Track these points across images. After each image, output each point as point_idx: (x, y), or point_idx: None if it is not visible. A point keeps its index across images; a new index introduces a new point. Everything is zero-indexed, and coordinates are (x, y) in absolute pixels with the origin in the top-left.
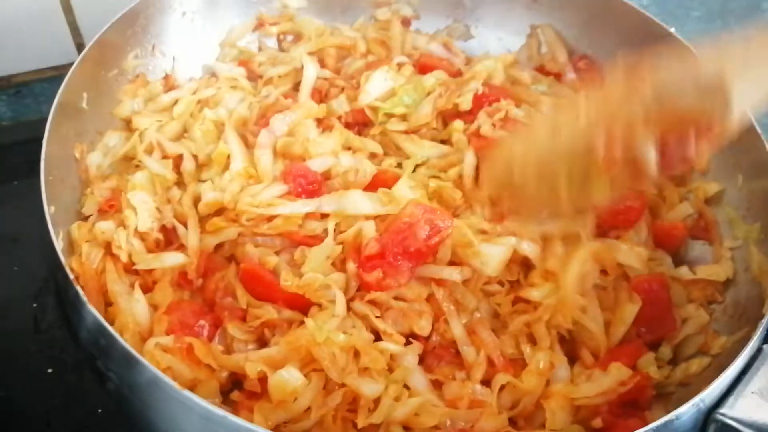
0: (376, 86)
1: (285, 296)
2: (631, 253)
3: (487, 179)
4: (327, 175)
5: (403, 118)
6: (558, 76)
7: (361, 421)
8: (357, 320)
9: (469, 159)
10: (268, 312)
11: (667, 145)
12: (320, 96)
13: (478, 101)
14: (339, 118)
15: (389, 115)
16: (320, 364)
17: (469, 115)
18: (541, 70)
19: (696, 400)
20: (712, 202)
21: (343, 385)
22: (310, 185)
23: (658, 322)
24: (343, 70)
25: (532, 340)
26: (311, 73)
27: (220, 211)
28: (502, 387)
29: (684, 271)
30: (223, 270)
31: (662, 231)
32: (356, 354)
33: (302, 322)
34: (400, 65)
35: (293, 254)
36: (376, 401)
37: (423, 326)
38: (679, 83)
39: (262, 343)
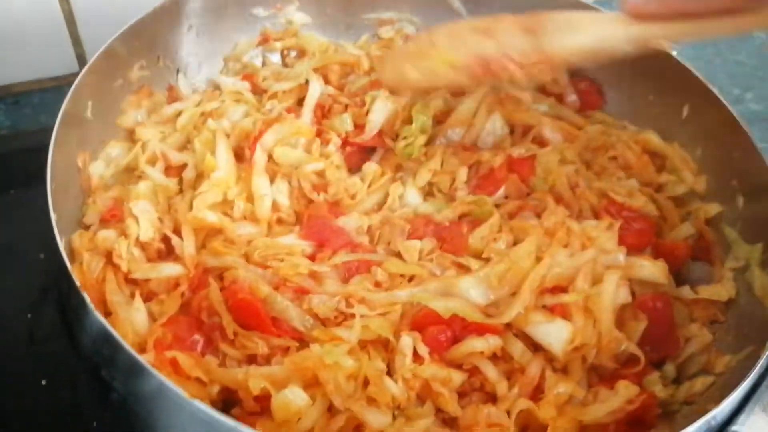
0: (379, 115)
1: (279, 333)
2: (654, 268)
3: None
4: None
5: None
6: (560, 98)
7: None
8: (372, 350)
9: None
10: (257, 345)
11: None
12: (323, 111)
13: None
14: (344, 138)
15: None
16: (325, 388)
17: None
18: (542, 91)
19: (708, 417)
20: (712, 223)
21: (349, 409)
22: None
23: (663, 340)
24: (347, 87)
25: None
26: (315, 90)
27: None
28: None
29: (686, 291)
30: (206, 288)
31: (664, 250)
32: (366, 382)
33: (299, 348)
34: None
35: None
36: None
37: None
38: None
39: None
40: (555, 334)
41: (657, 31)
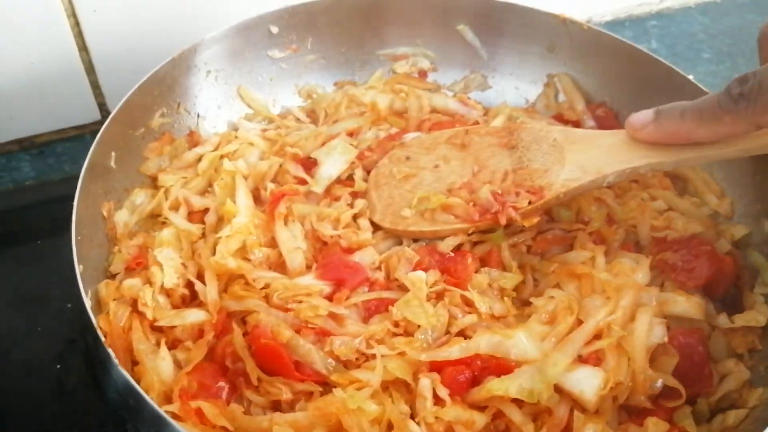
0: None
1: (302, 378)
2: (689, 303)
3: None
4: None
5: None
6: (577, 125)
7: None
8: (395, 393)
9: None
10: (281, 391)
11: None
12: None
13: None
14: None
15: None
16: None
17: None
18: (560, 118)
19: None
20: (740, 246)
21: None
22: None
23: (695, 376)
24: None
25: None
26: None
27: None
28: None
29: (722, 320)
30: (230, 334)
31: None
32: (390, 426)
33: (323, 392)
34: None
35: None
36: None
37: None
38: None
39: (280, 410)
40: (586, 381)
41: (660, 157)
